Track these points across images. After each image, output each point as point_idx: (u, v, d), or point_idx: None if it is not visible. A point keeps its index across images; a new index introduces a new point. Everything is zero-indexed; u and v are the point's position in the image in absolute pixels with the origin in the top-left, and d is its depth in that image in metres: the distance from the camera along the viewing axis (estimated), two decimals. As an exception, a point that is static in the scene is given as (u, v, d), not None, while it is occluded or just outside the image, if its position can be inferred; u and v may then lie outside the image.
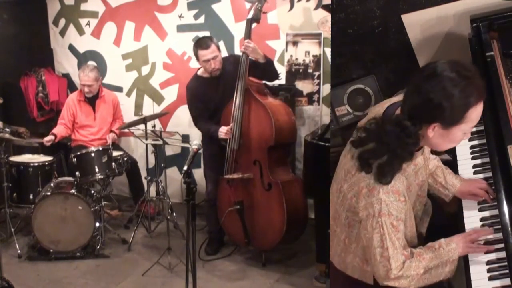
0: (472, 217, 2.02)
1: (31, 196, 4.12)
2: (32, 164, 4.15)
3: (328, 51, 4.24)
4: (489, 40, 2.27)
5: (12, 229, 4.05)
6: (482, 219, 2.00)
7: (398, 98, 1.98)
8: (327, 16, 4.25)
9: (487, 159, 2.11)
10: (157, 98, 5.08)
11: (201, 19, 4.80)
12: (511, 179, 1.93)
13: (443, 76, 1.69)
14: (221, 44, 4.52)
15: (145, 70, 5.17)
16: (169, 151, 5.01)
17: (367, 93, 2.93)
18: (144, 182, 4.67)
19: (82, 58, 5.42)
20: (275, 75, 3.84)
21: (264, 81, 3.86)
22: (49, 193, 3.83)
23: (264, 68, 3.67)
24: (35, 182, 4.12)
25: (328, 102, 4.27)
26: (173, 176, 5.04)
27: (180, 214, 4.44)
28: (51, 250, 3.82)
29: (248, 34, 3.62)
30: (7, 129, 4.20)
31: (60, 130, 4.62)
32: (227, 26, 4.69)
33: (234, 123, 3.62)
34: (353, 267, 2.08)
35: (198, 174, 4.74)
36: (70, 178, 4.06)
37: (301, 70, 4.47)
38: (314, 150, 3.40)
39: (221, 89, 3.79)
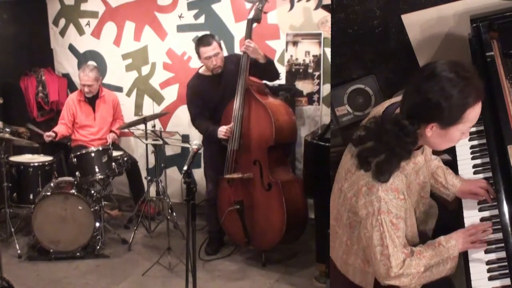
0: (472, 217, 2.02)
1: (31, 196, 4.11)
2: (32, 164, 4.15)
3: (328, 51, 4.24)
4: (489, 40, 2.27)
5: (12, 229, 4.05)
6: (482, 219, 2.00)
7: (398, 98, 1.98)
8: (327, 16, 4.25)
9: (487, 159, 2.11)
10: (157, 98, 5.08)
11: (201, 19, 4.80)
12: (511, 179, 1.93)
13: (442, 76, 1.69)
14: (221, 44, 4.51)
15: (145, 70, 5.16)
16: (169, 151, 5.01)
17: (367, 93, 2.94)
18: (144, 182, 4.67)
19: (82, 58, 5.42)
20: (276, 75, 3.84)
21: (264, 81, 3.87)
22: (49, 193, 3.83)
23: (264, 68, 3.67)
24: (35, 182, 4.12)
25: (328, 102, 4.27)
26: (173, 176, 5.04)
27: (180, 214, 4.44)
28: (51, 250, 3.82)
29: (249, 34, 3.62)
30: (7, 129, 4.20)
31: (60, 129, 4.62)
32: (227, 26, 4.69)
33: (234, 123, 3.62)
34: (354, 269, 2.08)
35: (198, 174, 4.74)
36: (70, 178, 4.06)
37: (301, 70, 4.47)
38: (314, 150, 3.40)
39: (222, 88, 3.78)
